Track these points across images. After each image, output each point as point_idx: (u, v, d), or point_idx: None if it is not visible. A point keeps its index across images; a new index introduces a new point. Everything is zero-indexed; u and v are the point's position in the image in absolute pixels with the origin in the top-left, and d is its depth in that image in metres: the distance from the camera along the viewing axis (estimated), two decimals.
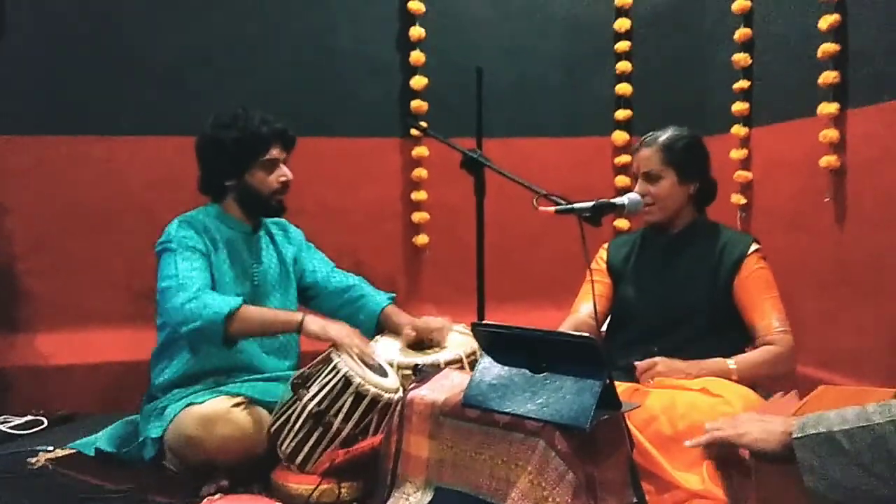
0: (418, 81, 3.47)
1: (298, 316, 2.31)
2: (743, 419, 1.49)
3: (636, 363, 2.18)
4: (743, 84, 3.33)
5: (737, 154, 3.37)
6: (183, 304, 2.22)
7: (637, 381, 2.18)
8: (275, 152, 2.45)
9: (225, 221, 2.50)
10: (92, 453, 2.46)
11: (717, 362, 2.17)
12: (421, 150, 3.51)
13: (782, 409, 1.62)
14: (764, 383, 2.20)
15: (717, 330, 2.24)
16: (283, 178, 2.48)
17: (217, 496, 2.08)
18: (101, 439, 2.50)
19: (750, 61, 3.32)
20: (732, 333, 2.30)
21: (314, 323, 2.30)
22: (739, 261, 2.28)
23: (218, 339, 2.23)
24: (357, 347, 2.24)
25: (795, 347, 2.23)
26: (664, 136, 2.33)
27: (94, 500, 2.15)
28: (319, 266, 2.70)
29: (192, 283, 2.26)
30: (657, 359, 2.17)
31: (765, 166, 3.31)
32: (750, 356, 2.20)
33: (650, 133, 2.37)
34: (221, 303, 2.23)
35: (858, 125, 2.77)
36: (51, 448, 2.54)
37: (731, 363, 2.16)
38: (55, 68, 3.22)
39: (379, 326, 2.60)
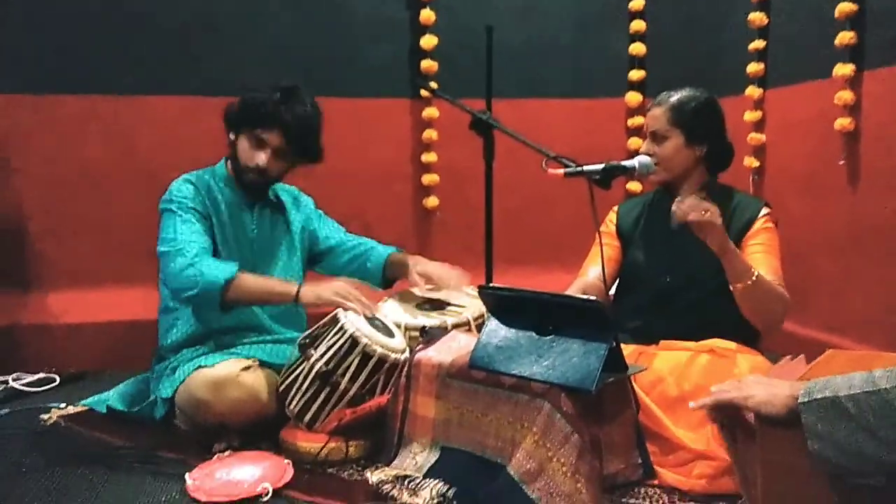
0: (428, 41, 3.43)
1: (293, 288, 2.28)
2: (749, 382, 1.49)
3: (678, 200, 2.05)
4: (758, 44, 3.27)
5: (750, 116, 3.32)
6: (181, 271, 2.24)
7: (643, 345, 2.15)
8: (265, 135, 2.37)
9: (230, 185, 2.49)
10: (104, 411, 2.48)
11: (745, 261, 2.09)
12: (431, 111, 3.49)
13: (790, 373, 1.62)
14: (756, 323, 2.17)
15: (724, 294, 2.22)
16: (257, 161, 2.38)
17: (227, 453, 2.11)
18: (112, 397, 2.52)
19: (766, 21, 3.26)
20: None
21: (309, 293, 2.27)
22: (749, 224, 2.25)
23: (214, 307, 2.26)
24: (355, 298, 2.25)
25: (789, 305, 2.17)
26: (676, 96, 2.30)
27: (106, 456, 2.18)
28: (333, 233, 2.69)
29: (190, 247, 2.27)
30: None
31: (778, 128, 3.27)
32: (767, 279, 2.10)
33: (665, 92, 2.34)
34: (218, 270, 2.24)
35: (874, 87, 2.73)
36: (63, 405, 2.57)
37: (756, 271, 2.07)
38: (61, 27, 3.19)
39: (386, 274, 2.63)
